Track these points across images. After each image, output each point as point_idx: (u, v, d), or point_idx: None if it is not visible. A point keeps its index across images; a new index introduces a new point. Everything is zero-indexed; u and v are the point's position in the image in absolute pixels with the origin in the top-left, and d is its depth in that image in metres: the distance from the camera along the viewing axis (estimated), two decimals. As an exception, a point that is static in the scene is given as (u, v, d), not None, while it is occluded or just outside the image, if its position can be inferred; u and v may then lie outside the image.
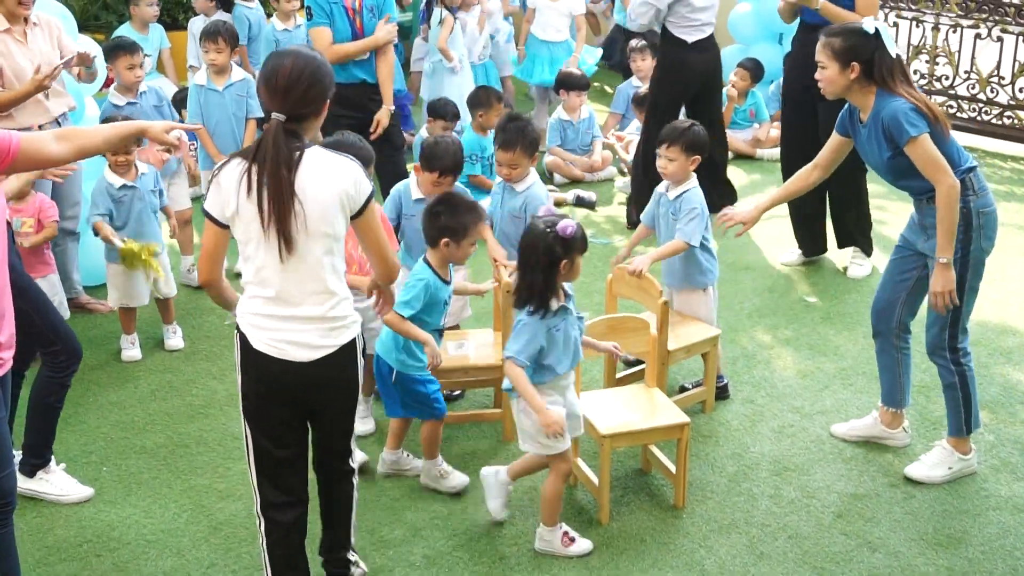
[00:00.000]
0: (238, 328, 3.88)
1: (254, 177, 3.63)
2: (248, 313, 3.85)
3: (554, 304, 4.33)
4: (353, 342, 3.89)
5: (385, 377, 4.91)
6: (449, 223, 4.79)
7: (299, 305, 3.77)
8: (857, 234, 7.30)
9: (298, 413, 3.94)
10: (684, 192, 5.51)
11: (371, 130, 6.96)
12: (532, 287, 4.32)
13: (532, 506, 4.86)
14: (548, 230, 4.30)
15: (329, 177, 3.68)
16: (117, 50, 6.86)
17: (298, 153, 3.66)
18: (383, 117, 7.20)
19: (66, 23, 6.56)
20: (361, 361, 3.99)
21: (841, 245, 7.39)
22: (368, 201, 3.77)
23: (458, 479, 4.99)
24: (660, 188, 5.66)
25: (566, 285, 4.41)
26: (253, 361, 3.86)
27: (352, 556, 4.31)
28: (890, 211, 8.53)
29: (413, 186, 5.67)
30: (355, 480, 4.20)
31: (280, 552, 4.04)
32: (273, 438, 3.93)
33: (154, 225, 6.26)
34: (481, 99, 8.33)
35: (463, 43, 9.76)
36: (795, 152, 6.66)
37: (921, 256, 4.97)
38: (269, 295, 3.77)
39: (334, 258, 3.78)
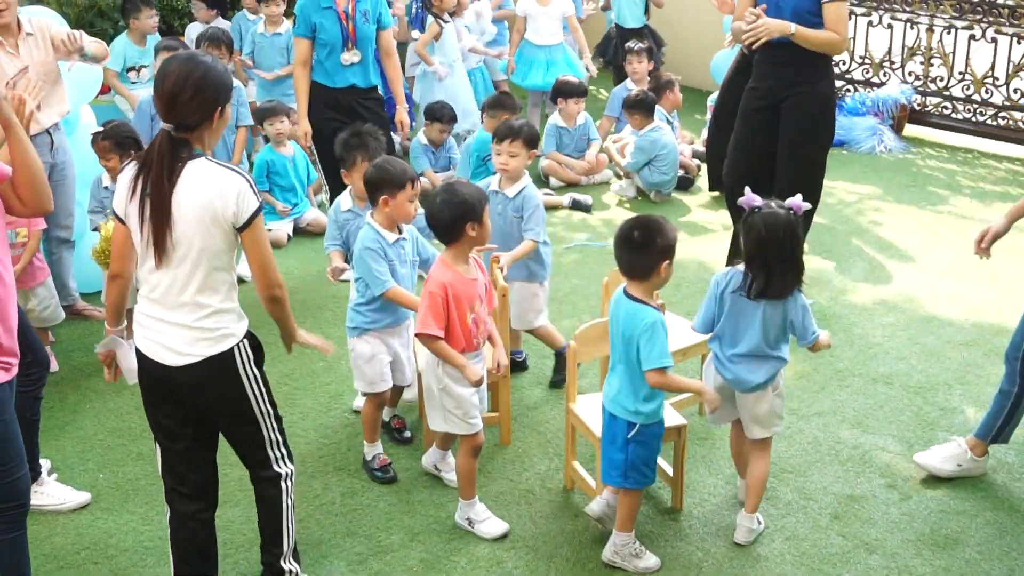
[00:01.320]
0: None
1: (139, 185, 3.69)
2: (137, 311, 3.93)
3: None
4: (229, 354, 3.88)
5: (617, 437, 4.39)
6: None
7: (171, 310, 3.82)
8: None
9: (185, 413, 3.99)
10: (522, 190, 5.63)
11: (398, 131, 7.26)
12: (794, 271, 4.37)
13: (528, 511, 4.87)
14: (791, 213, 4.35)
15: (207, 191, 3.67)
16: (138, 2, 6.93)
17: (180, 165, 3.65)
18: (403, 116, 7.35)
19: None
20: (247, 375, 3.96)
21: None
22: (254, 216, 3.74)
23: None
24: (493, 186, 5.71)
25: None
26: (138, 357, 3.96)
27: (287, 565, 4.24)
28: (887, 213, 8.55)
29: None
30: (283, 486, 4.18)
31: (180, 540, 4.13)
32: (163, 431, 4.03)
33: None
34: (505, 104, 8.33)
35: (456, 48, 9.77)
36: (743, 164, 6.57)
37: None
38: (150, 296, 3.85)
39: (213, 271, 3.77)
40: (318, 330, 6.59)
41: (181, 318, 3.82)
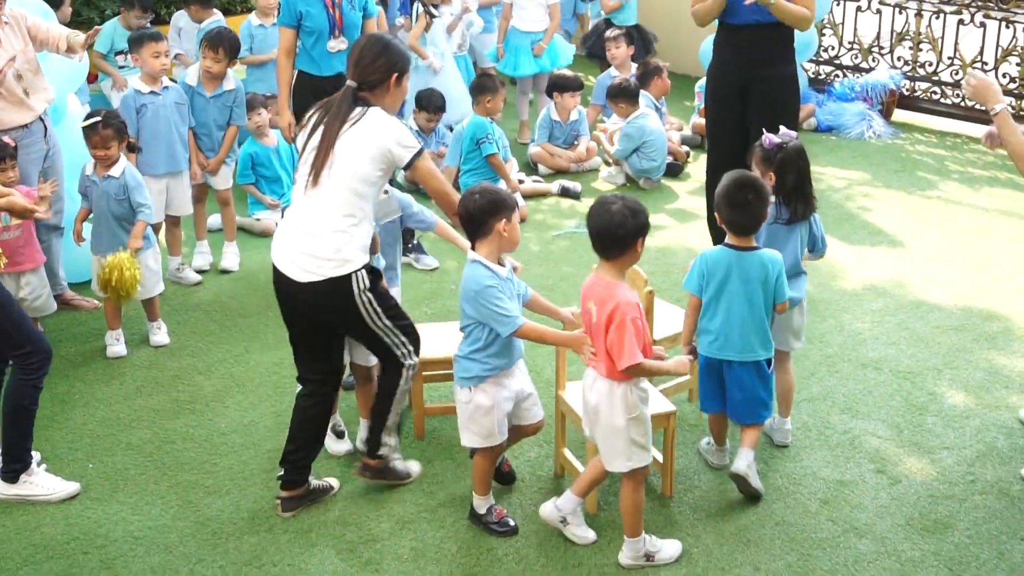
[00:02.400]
0: None
1: (314, 122, 4.52)
2: (278, 229, 4.64)
3: None
4: (347, 279, 4.44)
5: (760, 378, 4.76)
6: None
7: (307, 232, 4.46)
8: None
9: (308, 321, 4.64)
10: None
11: None
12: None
13: (519, 499, 4.87)
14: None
15: (374, 132, 4.43)
16: (143, 38, 6.89)
17: (355, 113, 4.44)
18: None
19: (29, 7, 6.49)
20: (362, 300, 4.50)
21: None
22: (414, 158, 4.51)
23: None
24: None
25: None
26: (273, 270, 4.61)
27: (387, 438, 4.83)
28: (876, 198, 8.57)
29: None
30: (404, 374, 4.73)
31: (297, 421, 4.78)
32: (294, 328, 4.74)
33: (113, 232, 6.16)
34: (487, 85, 8.33)
35: (444, 39, 9.75)
36: (724, 149, 6.45)
37: None
38: (292, 216, 4.53)
39: (354, 198, 4.44)
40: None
41: (313, 240, 4.43)
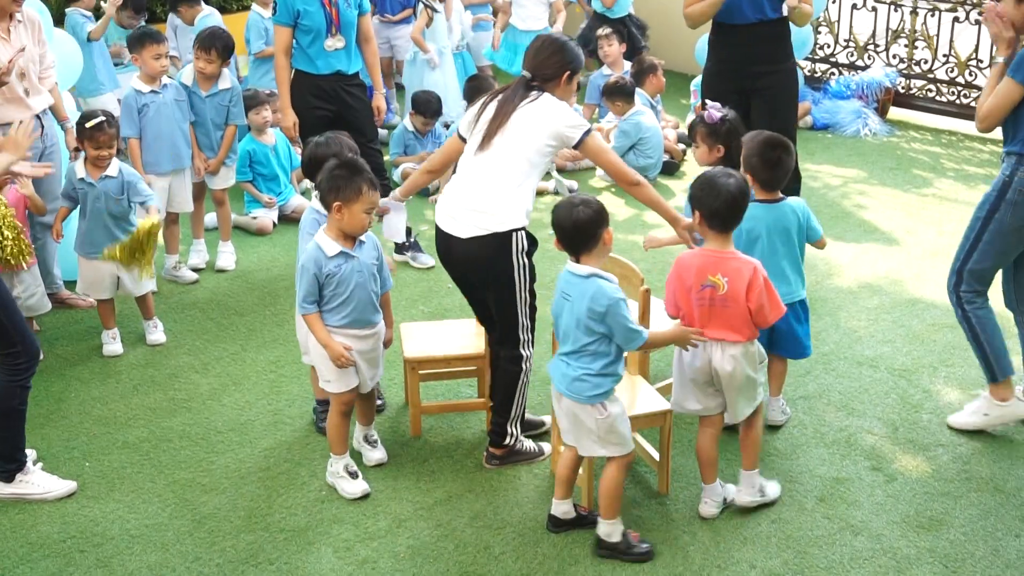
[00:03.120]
0: None
1: (486, 100, 4.90)
2: (445, 189, 4.91)
3: None
4: (508, 236, 4.70)
5: (798, 318, 5.14)
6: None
7: (474, 189, 4.76)
8: None
9: (466, 280, 4.98)
10: None
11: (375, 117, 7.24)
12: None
13: (515, 496, 4.87)
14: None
15: (547, 110, 4.76)
16: (144, 38, 6.85)
17: (532, 94, 4.79)
18: (379, 102, 7.30)
19: (44, 19, 6.52)
20: (518, 261, 4.74)
21: None
22: (583, 138, 4.77)
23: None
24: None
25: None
26: (436, 229, 4.93)
27: (511, 428, 5.02)
28: (871, 196, 8.58)
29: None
30: (523, 367, 4.93)
31: (494, 380, 5.13)
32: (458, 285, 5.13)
33: (107, 231, 6.13)
34: (485, 87, 8.33)
35: (445, 35, 9.76)
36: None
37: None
38: (459, 176, 4.84)
39: (524, 163, 4.73)
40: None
41: (481, 197, 4.73)
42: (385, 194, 5.27)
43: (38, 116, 6.19)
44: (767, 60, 6.29)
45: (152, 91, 6.83)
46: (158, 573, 4.43)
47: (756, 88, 6.33)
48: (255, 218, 8.10)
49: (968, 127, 10.14)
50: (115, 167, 6.09)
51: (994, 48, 4.89)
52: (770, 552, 4.49)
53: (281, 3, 6.87)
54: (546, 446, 5.17)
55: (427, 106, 8.77)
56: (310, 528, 4.69)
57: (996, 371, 5.22)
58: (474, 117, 4.90)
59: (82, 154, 6.09)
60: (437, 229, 4.89)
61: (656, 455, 4.88)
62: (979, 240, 5.11)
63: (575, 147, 4.81)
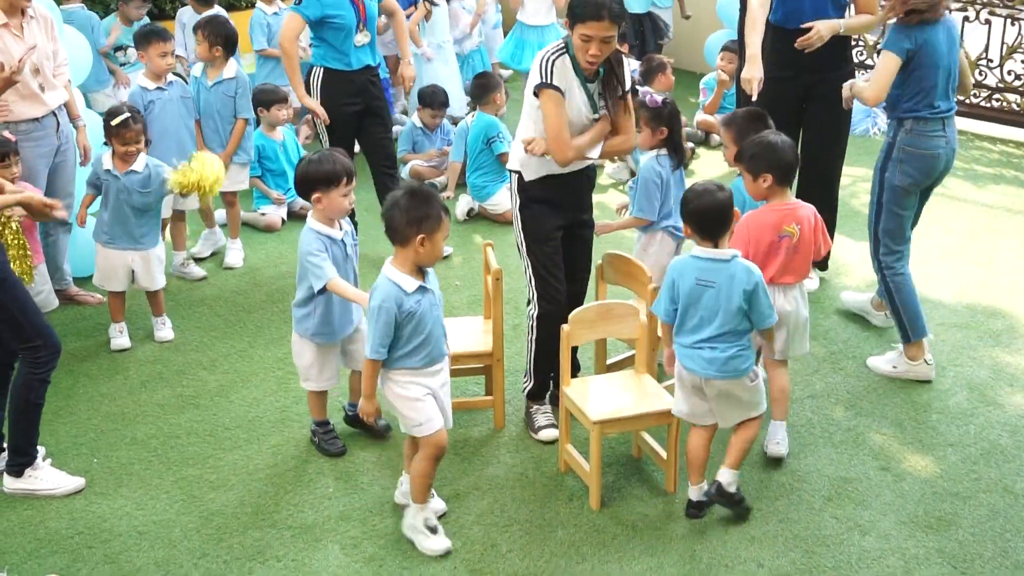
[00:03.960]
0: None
1: None
2: None
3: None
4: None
5: None
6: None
7: None
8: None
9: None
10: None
11: (401, 86, 7.41)
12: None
13: (523, 494, 4.87)
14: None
15: None
16: (150, 36, 6.87)
17: None
18: (408, 71, 7.35)
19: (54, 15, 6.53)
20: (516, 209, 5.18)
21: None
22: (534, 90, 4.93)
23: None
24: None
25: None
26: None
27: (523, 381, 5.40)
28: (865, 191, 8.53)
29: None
30: (527, 323, 5.28)
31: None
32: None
33: (129, 224, 6.15)
34: (492, 83, 8.35)
35: (446, 31, 9.76)
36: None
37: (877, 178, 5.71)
38: None
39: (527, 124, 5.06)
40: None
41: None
42: (394, 185, 5.32)
43: (54, 112, 6.20)
44: (830, 65, 6.24)
45: (158, 88, 6.85)
46: (165, 569, 4.44)
47: (814, 95, 6.32)
48: (263, 214, 8.10)
49: (978, 126, 10.11)
50: (142, 161, 6.11)
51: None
52: (778, 551, 4.48)
53: (314, 1, 6.84)
54: (553, 433, 5.18)
55: (433, 98, 8.78)
56: (317, 525, 4.69)
57: (909, 332, 5.70)
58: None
59: (108, 148, 6.13)
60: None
61: (664, 454, 4.87)
62: (880, 203, 5.66)
63: None
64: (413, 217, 4.25)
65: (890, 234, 5.66)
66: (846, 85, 5.67)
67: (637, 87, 5.61)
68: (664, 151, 5.70)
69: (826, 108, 6.33)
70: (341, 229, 5.01)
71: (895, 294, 5.68)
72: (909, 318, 5.68)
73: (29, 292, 4.87)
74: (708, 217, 4.47)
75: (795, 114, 6.40)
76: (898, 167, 5.57)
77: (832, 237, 6.38)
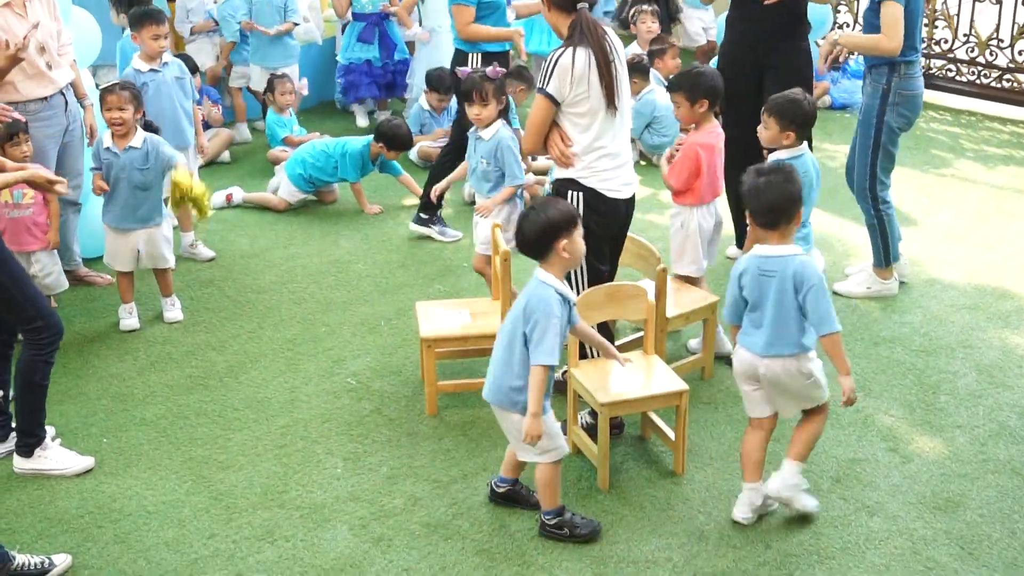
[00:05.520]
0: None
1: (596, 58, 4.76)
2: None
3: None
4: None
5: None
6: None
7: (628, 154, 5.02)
8: None
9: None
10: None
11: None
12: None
13: (531, 474, 4.87)
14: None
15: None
16: (144, 18, 6.85)
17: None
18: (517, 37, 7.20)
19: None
20: None
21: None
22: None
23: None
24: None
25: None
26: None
27: None
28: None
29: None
30: None
31: None
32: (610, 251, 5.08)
33: (133, 201, 6.16)
34: (523, 75, 8.32)
35: (446, 13, 9.72)
36: (744, 125, 6.10)
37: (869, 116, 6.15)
38: (622, 141, 4.94)
39: None
40: (320, 296, 6.61)
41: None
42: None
43: (62, 92, 6.19)
44: (784, 36, 6.28)
45: (152, 70, 6.84)
46: (175, 549, 4.46)
47: (771, 65, 6.31)
48: (285, 150, 8.40)
49: (988, 107, 10.07)
50: (139, 138, 6.11)
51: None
52: (785, 532, 4.48)
53: None
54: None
55: (440, 82, 8.75)
56: (326, 505, 4.70)
57: (889, 258, 6.36)
58: (596, 83, 4.70)
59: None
60: (608, 198, 4.85)
61: (672, 435, 4.87)
62: (879, 145, 6.13)
63: None
64: (560, 226, 4.22)
65: (885, 170, 6.22)
66: (827, 43, 6.18)
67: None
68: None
69: (780, 80, 6.29)
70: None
71: (887, 224, 6.29)
72: (892, 245, 6.34)
73: (28, 276, 4.88)
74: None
75: (752, 83, 6.34)
76: (895, 110, 6.06)
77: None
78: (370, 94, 9.77)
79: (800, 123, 5.36)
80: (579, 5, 4.74)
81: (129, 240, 6.17)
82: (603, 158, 4.81)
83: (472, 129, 6.01)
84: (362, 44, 9.61)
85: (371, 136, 7.81)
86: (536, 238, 4.24)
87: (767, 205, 4.29)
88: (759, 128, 5.47)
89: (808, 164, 5.36)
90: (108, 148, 6.07)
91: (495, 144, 5.86)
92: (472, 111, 5.87)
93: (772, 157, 5.35)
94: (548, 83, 4.72)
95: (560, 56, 4.69)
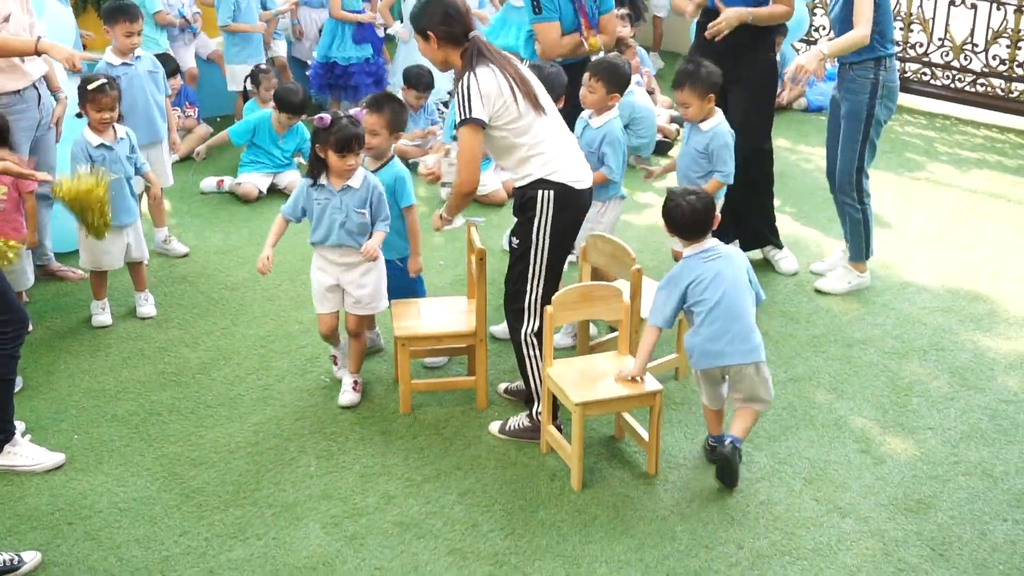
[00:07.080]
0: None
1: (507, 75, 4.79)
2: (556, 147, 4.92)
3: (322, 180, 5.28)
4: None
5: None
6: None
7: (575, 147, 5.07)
8: (766, 232, 6.93)
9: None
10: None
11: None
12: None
13: (504, 475, 4.88)
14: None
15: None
16: (117, 14, 6.77)
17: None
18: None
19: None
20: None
21: (749, 248, 6.81)
22: None
23: None
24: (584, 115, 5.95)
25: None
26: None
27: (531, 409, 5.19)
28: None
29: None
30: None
31: None
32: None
33: (126, 196, 6.14)
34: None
35: None
36: None
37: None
38: (562, 136, 4.98)
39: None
40: (293, 293, 6.59)
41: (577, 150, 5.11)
42: None
43: (35, 85, 6.13)
44: (748, 49, 6.32)
45: (124, 63, 6.78)
46: (146, 546, 4.43)
47: (733, 78, 6.29)
48: (240, 184, 8.12)
49: (962, 111, 10.14)
50: (121, 129, 6.12)
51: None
52: (758, 533, 4.50)
53: (549, 3, 6.53)
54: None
55: (418, 79, 8.73)
56: (298, 504, 4.69)
57: (869, 251, 6.52)
58: (510, 94, 4.73)
59: (85, 119, 6.06)
60: (575, 190, 4.86)
61: (646, 435, 4.88)
62: (867, 139, 6.25)
63: None
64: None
65: (868, 163, 6.36)
66: (809, 59, 5.91)
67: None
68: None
69: (744, 92, 6.42)
70: None
71: (868, 217, 6.43)
72: (870, 240, 6.50)
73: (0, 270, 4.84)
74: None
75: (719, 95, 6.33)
76: (883, 103, 6.21)
77: (773, 216, 6.93)
78: (364, 93, 9.77)
79: (622, 85, 5.81)
80: (471, 35, 4.77)
81: (121, 236, 6.13)
82: (555, 152, 4.84)
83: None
84: (359, 44, 9.60)
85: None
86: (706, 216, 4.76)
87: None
88: (583, 92, 5.79)
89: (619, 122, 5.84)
90: (102, 144, 6.00)
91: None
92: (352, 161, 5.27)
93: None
94: (469, 110, 4.68)
95: (468, 81, 4.68)
